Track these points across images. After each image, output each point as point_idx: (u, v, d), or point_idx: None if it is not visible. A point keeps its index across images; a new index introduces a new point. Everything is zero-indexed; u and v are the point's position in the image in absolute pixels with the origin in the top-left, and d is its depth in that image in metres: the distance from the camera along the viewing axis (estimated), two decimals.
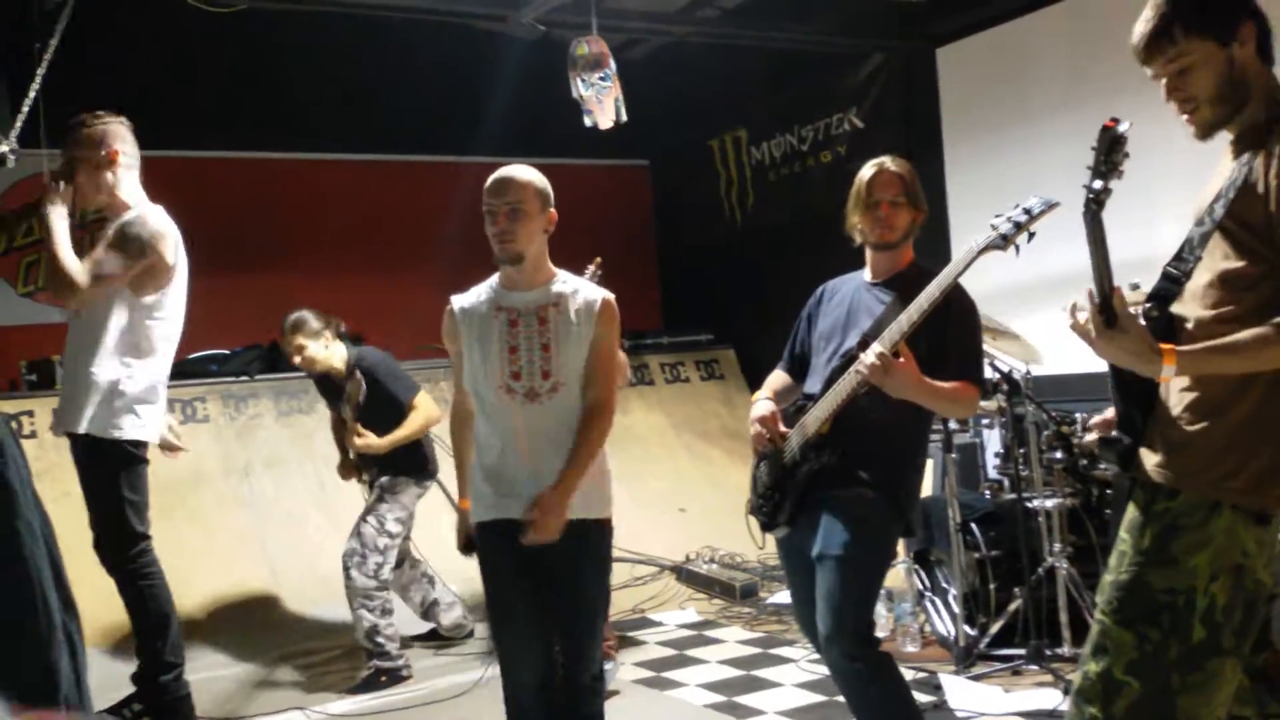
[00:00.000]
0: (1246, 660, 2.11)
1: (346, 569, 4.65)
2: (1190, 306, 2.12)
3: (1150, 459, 2.13)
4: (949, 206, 6.36)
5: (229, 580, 5.60)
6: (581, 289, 3.11)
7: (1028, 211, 2.80)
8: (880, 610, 4.75)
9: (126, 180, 4.03)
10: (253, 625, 5.45)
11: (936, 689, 4.11)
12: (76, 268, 3.79)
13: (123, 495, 3.88)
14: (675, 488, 6.99)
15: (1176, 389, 2.12)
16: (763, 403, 3.26)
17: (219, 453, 6.10)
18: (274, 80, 7.17)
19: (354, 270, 7.50)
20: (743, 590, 5.78)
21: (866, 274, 3.27)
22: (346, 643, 5.06)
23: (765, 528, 3.26)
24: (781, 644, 4.98)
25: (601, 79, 5.82)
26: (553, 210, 3.10)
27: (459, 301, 3.14)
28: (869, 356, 2.85)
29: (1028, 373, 4.54)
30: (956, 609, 4.45)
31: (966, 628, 4.42)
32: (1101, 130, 2.06)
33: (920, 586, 4.86)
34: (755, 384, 7.69)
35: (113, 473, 3.87)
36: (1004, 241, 2.81)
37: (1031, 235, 2.81)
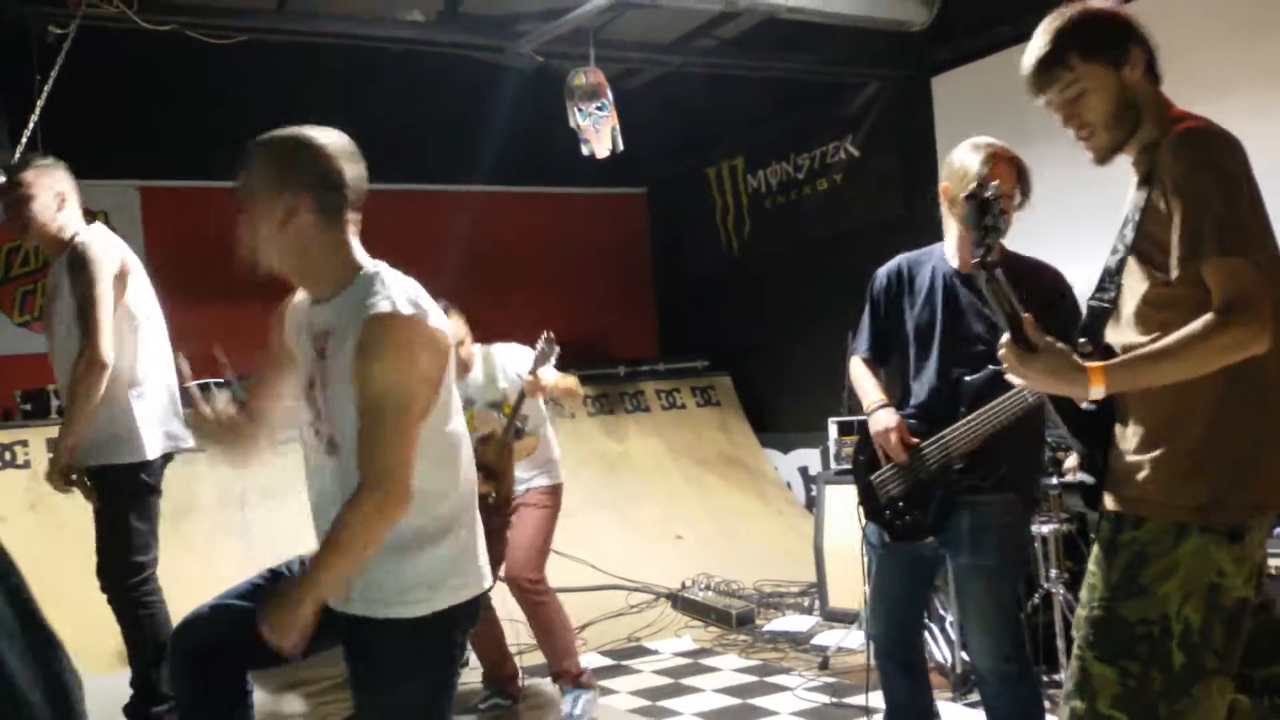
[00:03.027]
0: (1242, 675, 2.10)
1: None
2: (1126, 334, 2.11)
3: (1111, 490, 2.12)
4: (944, 234, 6.37)
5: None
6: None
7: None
8: None
9: (71, 217, 4.03)
10: None
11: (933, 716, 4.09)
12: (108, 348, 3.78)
13: (130, 525, 3.87)
14: (671, 514, 6.97)
15: (1129, 419, 2.10)
16: (887, 412, 3.16)
17: (214, 482, 6.08)
18: (272, 110, 7.14)
19: None
20: (739, 618, 5.76)
21: (951, 258, 3.18)
22: (343, 672, 5.03)
23: (902, 537, 3.19)
24: (778, 672, 4.95)
25: (599, 109, 5.87)
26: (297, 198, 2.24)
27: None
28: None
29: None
30: (953, 635, 4.44)
31: (963, 654, 4.41)
32: (967, 199, 2.10)
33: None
34: (751, 410, 7.83)
35: (123, 501, 3.87)
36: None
37: None
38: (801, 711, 4.38)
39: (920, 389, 3.16)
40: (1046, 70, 2.13)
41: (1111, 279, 2.12)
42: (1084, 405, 2.15)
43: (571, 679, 4.37)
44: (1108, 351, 2.12)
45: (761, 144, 8.03)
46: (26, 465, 5.73)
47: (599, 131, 5.89)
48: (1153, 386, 2.02)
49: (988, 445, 3.01)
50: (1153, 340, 2.02)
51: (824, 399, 6.32)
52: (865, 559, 3.37)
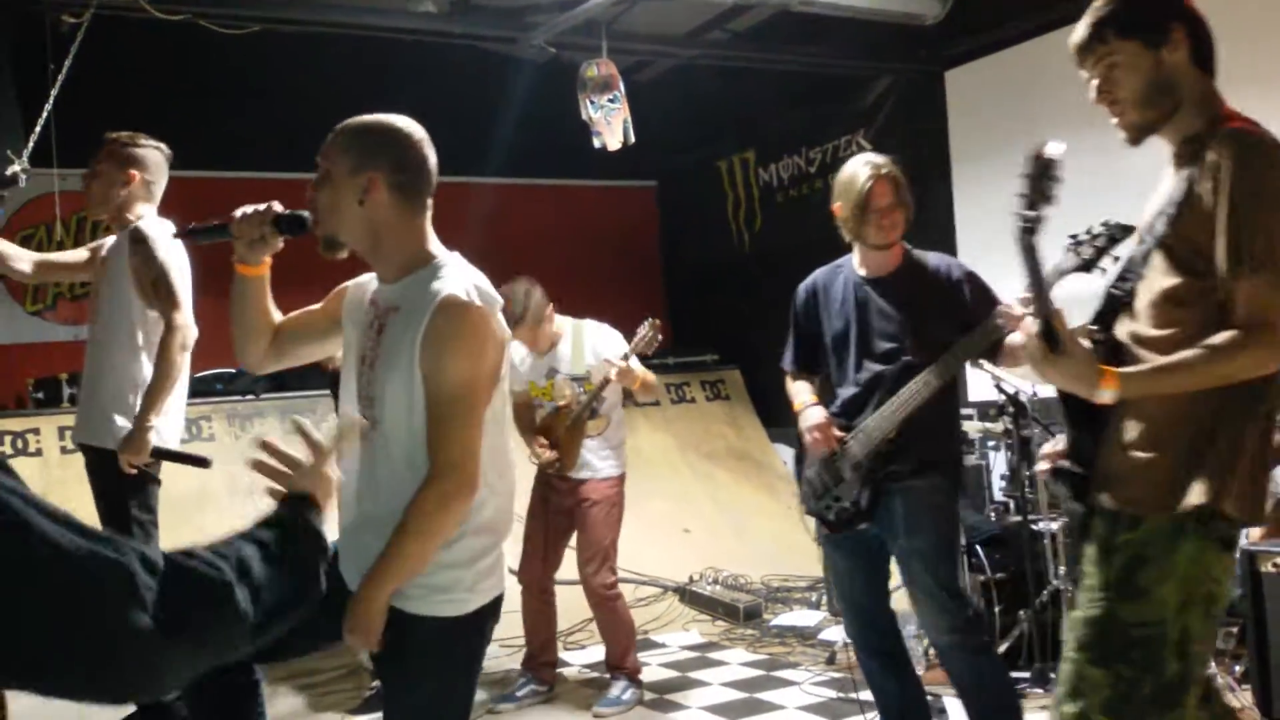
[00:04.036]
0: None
1: None
2: (1136, 327, 2.09)
3: (1107, 489, 2.10)
4: (957, 228, 6.37)
5: None
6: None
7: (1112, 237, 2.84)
8: None
9: (139, 197, 4.07)
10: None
11: (941, 712, 4.09)
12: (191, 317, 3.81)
13: (130, 514, 3.87)
14: (679, 508, 6.97)
15: (1128, 415, 2.08)
16: (815, 410, 3.38)
17: (224, 473, 6.09)
18: (284, 101, 7.21)
19: None
20: (746, 612, 5.76)
21: (857, 268, 3.40)
22: (349, 663, 5.05)
23: (837, 527, 3.37)
24: (785, 666, 4.96)
25: (610, 101, 5.86)
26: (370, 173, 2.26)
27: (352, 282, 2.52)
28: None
29: (1034, 394, 4.54)
30: None
31: None
32: (1032, 157, 2.04)
33: None
34: (761, 405, 7.82)
35: (124, 489, 3.87)
36: (1087, 267, 2.84)
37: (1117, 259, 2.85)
38: (808, 706, 4.38)
39: (844, 390, 3.37)
40: (1084, 43, 2.15)
41: (1134, 270, 2.10)
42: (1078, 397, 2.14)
43: (626, 674, 4.55)
44: (1115, 343, 2.11)
45: (773, 138, 8.01)
46: (39, 453, 5.77)
47: (610, 124, 5.88)
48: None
49: (905, 429, 3.19)
50: (1164, 335, 2.01)
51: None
52: (823, 560, 3.55)
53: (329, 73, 6.95)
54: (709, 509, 7.01)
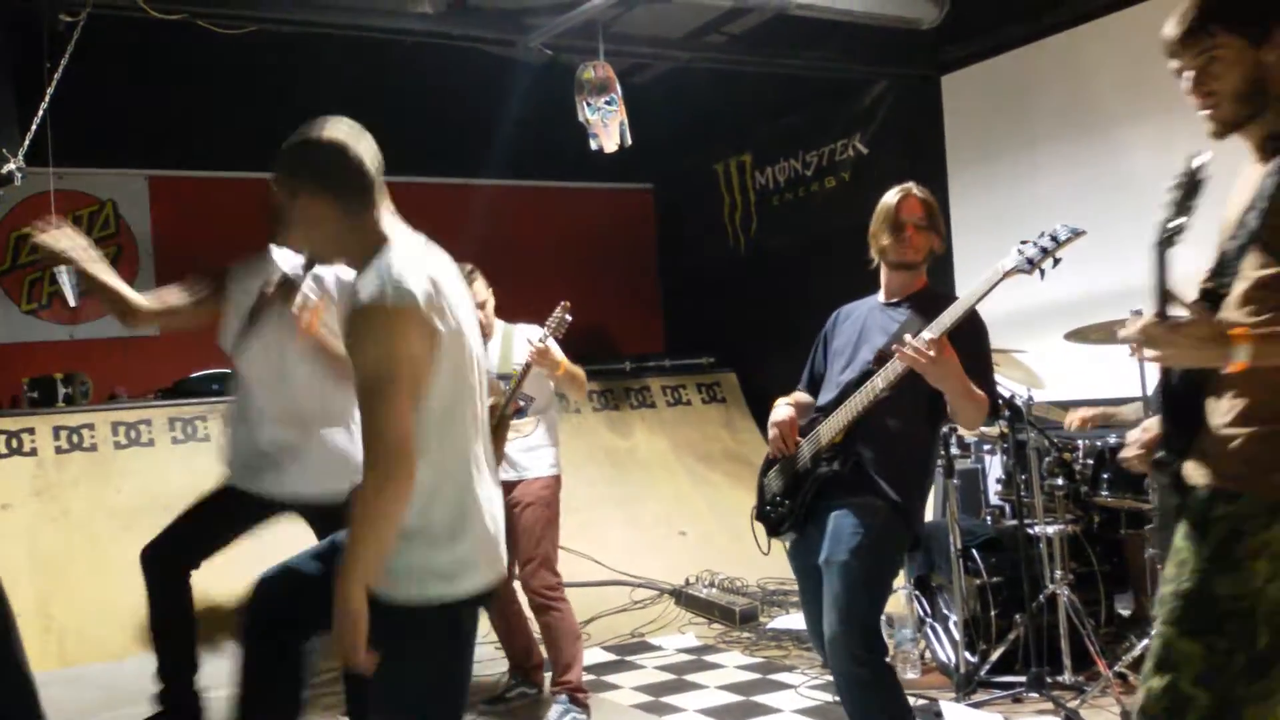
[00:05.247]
0: None
1: None
2: (1233, 318, 2.09)
3: (1205, 465, 2.11)
4: (953, 232, 6.35)
5: (227, 600, 5.58)
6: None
7: (1054, 238, 2.90)
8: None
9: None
10: None
11: (937, 716, 4.09)
12: None
13: None
14: (675, 511, 6.97)
15: (1226, 393, 2.09)
16: (782, 408, 3.36)
17: (220, 472, 6.08)
18: (281, 102, 7.18)
19: None
20: (742, 615, 5.76)
21: (880, 296, 3.39)
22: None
23: (771, 532, 3.36)
24: (781, 669, 4.95)
25: (607, 103, 5.86)
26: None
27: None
28: (923, 336, 2.93)
29: (1030, 398, 4.54)
30: (957, 635, 4.43)
31: (967, 654, 4.40)
32: (1189, 171, 2.02)
33: (921, 612, 4.84)
34: (757, 407, 7.83)
35: None
36: (1030, 265, 2.91)
37: (1057, 261, 2.91)
38: (804, 709, 4.38)
39: (824, 395, 3.34)
40: (1186, 33, 2.14)
41: (1230, 265, 2.11)
42: (1174, 384, 2.14)
43: (568, 691, 4.30)
44: None
45: (770, 141, 8.02)
46: (33, 453, 5.75)
47: (607, 126, 5.88)
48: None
49: (851, 436, 3.15)
50: (1266, 320, 2.02)
51: None
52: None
53: (326, 74, 6.95)
54: (705, 511, 7.00)
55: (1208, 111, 2.15)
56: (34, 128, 4.82)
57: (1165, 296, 2.01)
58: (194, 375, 6.44)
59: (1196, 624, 2.04)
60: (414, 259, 2.32)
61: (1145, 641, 4.24)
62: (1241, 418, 2.07)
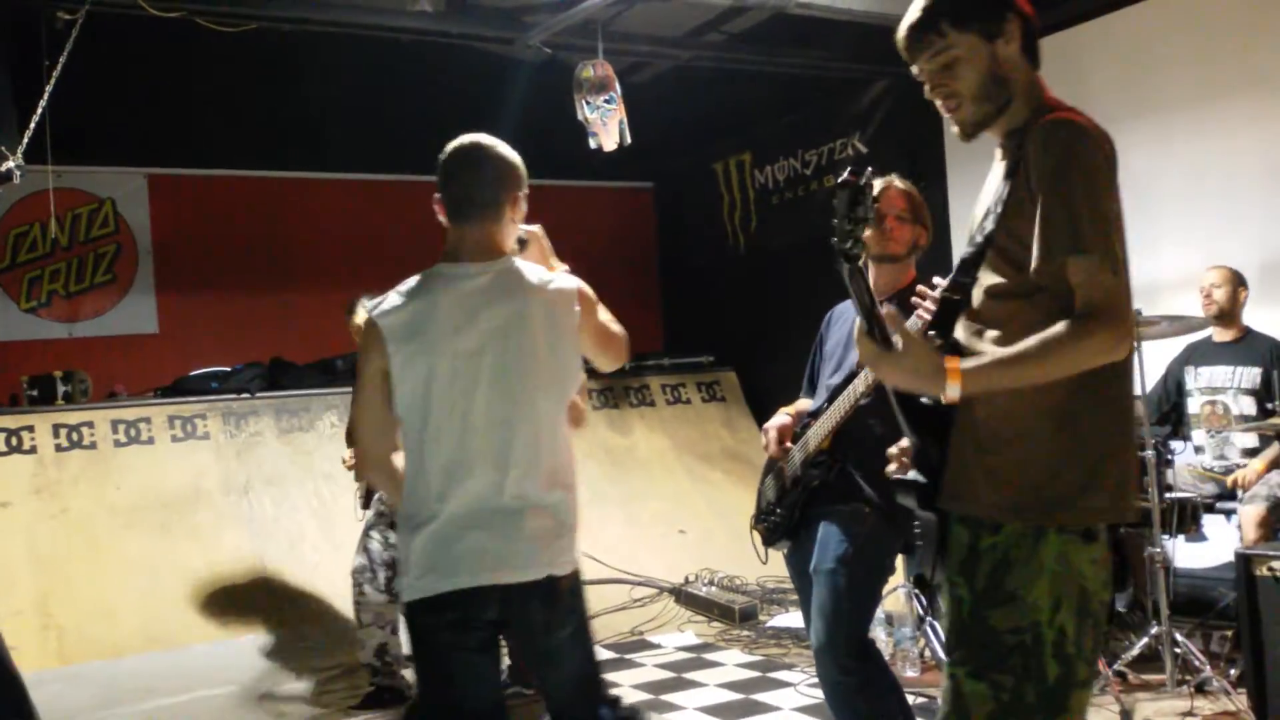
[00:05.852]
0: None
1: (359, 585, 4.61)
2: (975, 327, 2.01)
3: (963, 493, 2.00)
4: (951, 231, 6.36)
5: (228, 597, 5.60)
6: None
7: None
8: (880, 635, 4.74)
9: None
10: (251, 643, 5.44)
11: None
12: None
13: None
14: (675, 509, 6.97)
15: (976, 416, 1.97)
16: (779, 415, 3.34)
17: (219, 470, 6.09)
18: (281, 100, 7.21)
19: (359, 289, 7.50)
20: (742, 613, 5.76)
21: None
22: (346, 661, 5.05)
23: (766, 543, 3.34)
24: (781, 668, 4.96)
25: (606, 102, 5.87)
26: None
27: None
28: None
29: None
30: None
31: None
32: (839, 186, 1.93)
33: (920, 611, 4.84)
34: (756, 406, 7.83)
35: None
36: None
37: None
38: (803, 707, 4.38)
39: (816, 401, 3.31)
40: (917, 36, 2.04)
41: (967, 272, 2.02)
42: (924, 400, 2.02)
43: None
44: (956, 346, 2.01)
45: (769, 140, 8.02)
46: (33, 451, 5.75)
47: (606, 125, 5.89)
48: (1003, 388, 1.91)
49: (839, 441, 3.12)
50: (1002, 330, 1.93)
51: None
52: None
53: (325, 73, 6.95)
54: (704, 510, 7.01)
55: (950, 114, 2.07)
56: (33, 125, 4.81)
57: (871, 315, 1.93)
58: (193, 373, 6.46)
59: (981, 663, 1.93)
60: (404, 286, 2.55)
61: (1144, 640, 4.25)
62: (991, 440, 1.96)
